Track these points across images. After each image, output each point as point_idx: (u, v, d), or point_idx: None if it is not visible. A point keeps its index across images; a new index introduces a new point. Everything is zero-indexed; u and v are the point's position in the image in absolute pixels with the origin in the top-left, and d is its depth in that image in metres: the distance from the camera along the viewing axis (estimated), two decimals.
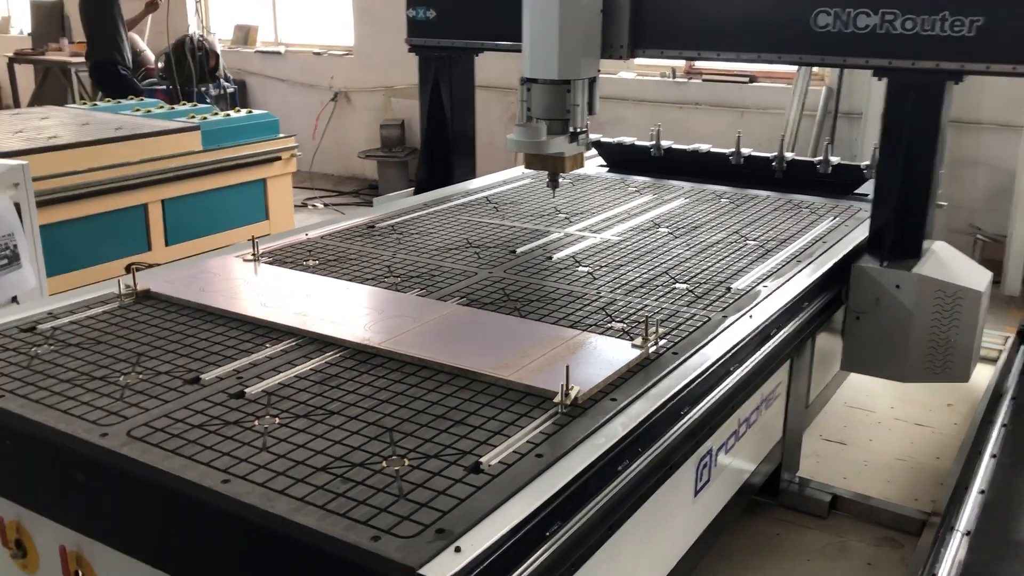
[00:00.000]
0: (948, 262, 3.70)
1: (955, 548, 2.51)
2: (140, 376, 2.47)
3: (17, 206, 3.95)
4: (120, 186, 6.27)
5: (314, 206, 9.66)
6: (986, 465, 2.97)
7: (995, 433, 3.21)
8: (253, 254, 3.48)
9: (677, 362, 2.58)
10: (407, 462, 2.02)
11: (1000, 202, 7.18)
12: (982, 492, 2.80)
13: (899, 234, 3.69)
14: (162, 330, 2.79)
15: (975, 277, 3.62)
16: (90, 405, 2.29)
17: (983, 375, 4.95)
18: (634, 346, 2.62)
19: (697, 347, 2.69)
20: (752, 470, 3.39)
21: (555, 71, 3.45)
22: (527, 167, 3.82)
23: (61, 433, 2.16)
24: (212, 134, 6.92)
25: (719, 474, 3.02)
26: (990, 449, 3.08)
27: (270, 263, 3.45)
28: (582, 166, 3.72)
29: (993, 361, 5.06)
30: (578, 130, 3.55)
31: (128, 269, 6.18)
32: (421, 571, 1.65)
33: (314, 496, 1.88)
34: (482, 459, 2.03)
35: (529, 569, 1.85)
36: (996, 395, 3.62)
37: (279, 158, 7.40)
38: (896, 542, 3.48)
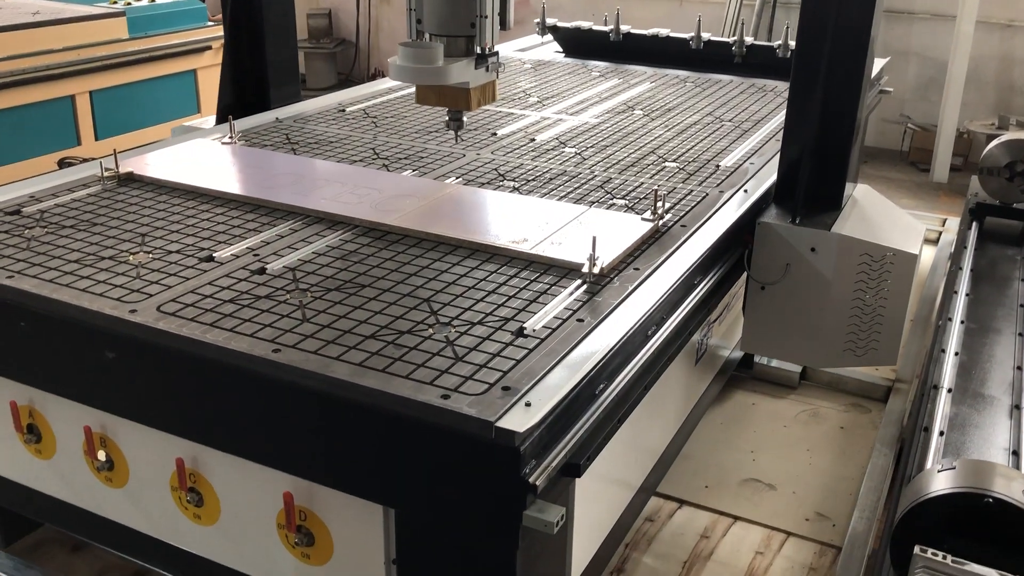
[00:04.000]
0: (874, 215, 3.01)
1: (941, 403, 2.69)
2: (150, 255, 2.40)
3: None
4: (44, 75, 5.92)
5: None
6: (957, 330, 3.15)
7: (960, 302, 3.39)
8: (231, 136, 3.36)
9: (687, 234, 2.64)
10: (453, 329, 2.04)
11: (930, 92, 7.42)
12: (956, 354, 2.99)
13: (816, 178, 2.92)
14: (157, 211, 2.70)
15: (907, 233, 2.93)
16: (108, 284, 2.22)
17: (924, 254, 5.21)
18: (644, 219, 2.67)
19: (703, 220, 2.75)
20: (734, 344, 3.53)
21: None
22: (419, 101, 2.73)
23: (87, 311, 2.10)
24: (138, 21, 6.56)
25: (712, 344, 3.14)
26: (958, 316, 3.27)
27: (248, 146, 3.35)
28: (494, 99, 2.77)
29: (933, 242, 5.32)
30: (487, 51, 2.62)
31: (60, 164, 5.90)
32: (498, 424, 1.69)
33: (372, 361, 1.89)
34: (525, 325, 2.07)
35: (587, 423, 1.91)
36: (955, 268, 3.81)
37: (209, 47, 7.08)
38: (863, 407, 3.70)
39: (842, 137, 2.90)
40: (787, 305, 2.90)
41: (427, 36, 2.58)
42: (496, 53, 2.65)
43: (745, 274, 2.93)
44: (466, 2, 2.55)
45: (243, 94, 3.87)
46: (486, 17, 2.55)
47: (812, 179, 2.92)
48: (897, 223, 3.02)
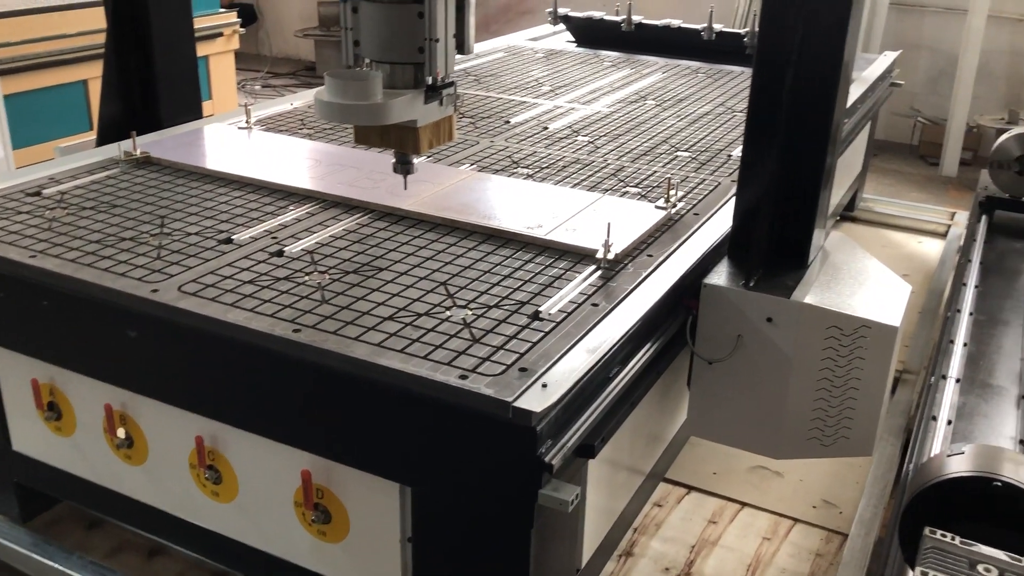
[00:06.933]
0: (847, 274, 2.51)
1: (948, 393, 2.71)
2: (171, 237, 2.43)
3: None
4: (58, 60, 5.97)
5: (251, 88, 9.33)
6: (965, 322, 3.18)
7: (969, 294, 3.42)
8: (247, 122, 3.39)
9: (700, 222, 2.67)
10: (470, 312, 2.07)
11: (941, 85, 7.42)
12: (965, 345, 3.02)
13: (777, 229, 2.47)
14: (176, 194, 2.74)
15: (888, 298, 2.43)
16: (129, 264, 2.26)
17: (932, 247, 5.23)
18: (657, 207, 2.69)
19: (715, 209, 2.77)
20: None
21: None
22: (358, 141, 2.35)
23: (109, 290, 2.14)
24: None
25: None
26: (967, 308, 3.29)
27: (264, 131, 3.38)
28: (451, 138, 2.39)
29: (941, 235, 5.33)
30: (441, 81, 2.21)
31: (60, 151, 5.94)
32: (516, 404, 1.72)
33: (390, 342, 1.92)
34: (541, 308, 2.10)
35: (601, 406, 1.94)
36: (964, 260, 3.83)
37: (221, 34, 7.10)
38: None
39: (810, 180, 2.41)
40: (739, 385, 2.42)
41: (367, 63, 2.20)
42: (452, 83, 2.24)
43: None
44: (411, 23, 2.11)
45: (130, 109, 3.39)
46: (438, 40, 2.13)
47: (772, 231, 2.46)
48: (877, 284, 2.50)
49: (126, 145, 3.01)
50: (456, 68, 4.30)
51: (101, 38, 6.14)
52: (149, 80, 3.38)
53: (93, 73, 6.18)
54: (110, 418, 2.33)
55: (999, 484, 1.79)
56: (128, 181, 2.83)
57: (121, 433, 2.35)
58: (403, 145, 2.30)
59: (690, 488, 3.13)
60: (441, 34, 2.14)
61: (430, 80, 2.18)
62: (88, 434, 2.43)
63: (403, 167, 2.39)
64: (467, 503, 1.90)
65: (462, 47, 2.25)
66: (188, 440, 2.24)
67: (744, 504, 3.06)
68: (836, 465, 3.28)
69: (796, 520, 3.00)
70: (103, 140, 3.32)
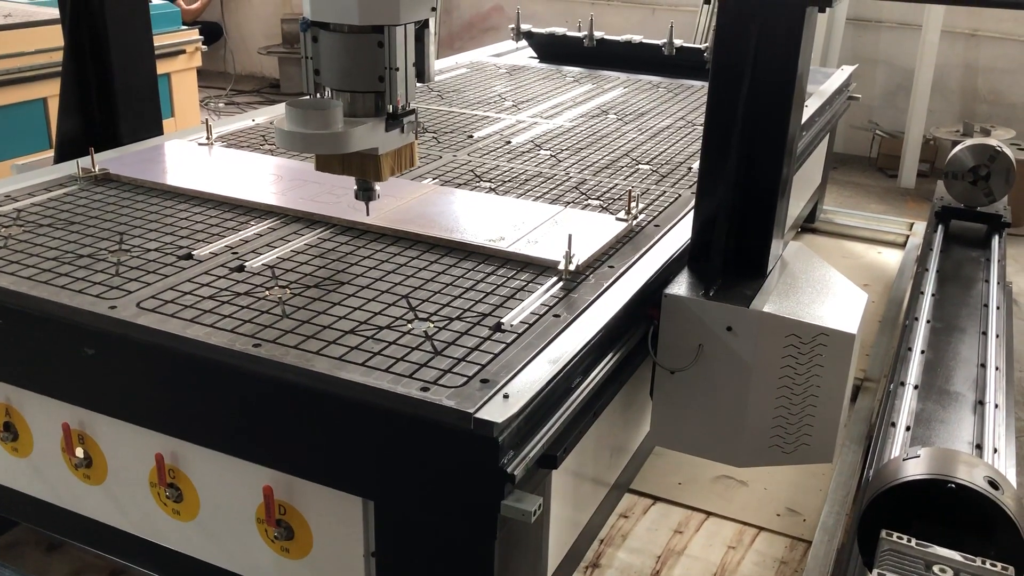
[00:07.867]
0: (805, 283, 2.55)
1: (907, 399, 2.76)
2: (130, 254, 2.41)
3: None
4: (15, 78, 5.91)
5: (214, 105, 9.28)
6: (923, 329, 3.23)
7: (926, 302, 3.48)
8: (207, 138, 3.38)
9: (660, 233, 2.69)
10: (432, 324, 2.07)
11: (898, 99, 7.56)
12: (923, 352, 3.07)
13: (735, 240, 2.50)
14: (135, 210, 2.72)
15: (844, 307, 2.45)
16: (87, 281, 2.23)
17: (892, 257, 5.31)
18: (618, 219, 2.72)
19: (675, 220, 2.80)
20: None
21: (355, 11, 2.08)
22: (319, 168, 2.37)
23: (66, 307, 2.11)
24: None
25: None
26: (924, 316, 3.35)
27: (225, 147, 3.36)
28: (413, 164, 2.42)
29: (900, 246, 5.42)
30: (402, 109, 2.24)
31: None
32: (477, 415, 1.72)
33: (351, 355, 1.92)
34: (503, 320, 2.10)
35: (563, 416, 1.95)
36: (921, 270, 3.89)
37: (183, 51, 7.06)
38: None
39: (767, 191, 2.45)
40: (701, 393, 2.45)
41: (328, 91, 2.22)
42: (413, 111, 2.28)
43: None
44: (372, 52, 2.12)
45: (88, 126, 3.38)
46: (398, 69, 2.15)
47: (731, 241, 2.50)
48: (834, 293, 2.53)
49: (84, 162, 2.98)
50: (418, 85, 4.30)
51: (60, 56, 6.12)
52: (108, 97, 3.38)
53: (52, 91, 6.11)
54: (68, 437, 2.30)
55: (953, 486, 1.82)
56: (86, 198, 2.80)
57: (79, 452, 2.32)
58: (365, 172, 2.33)
59: (656, 499, 3.14)
60: (401, 63, 2.16)
61: (391, 108, 2.22)
62: (45, 454, 2.39)
63: (365, 194, 2.42)
64: (430, 516, 1.89)
65: (422, 75, 2.27)
66: (148, 458, 2.21)
67: (709, 513, 3.08)
68: (800, 473, 3.31)
69: (761, 528, 3.02)
70: (61, 157, 3.29)
